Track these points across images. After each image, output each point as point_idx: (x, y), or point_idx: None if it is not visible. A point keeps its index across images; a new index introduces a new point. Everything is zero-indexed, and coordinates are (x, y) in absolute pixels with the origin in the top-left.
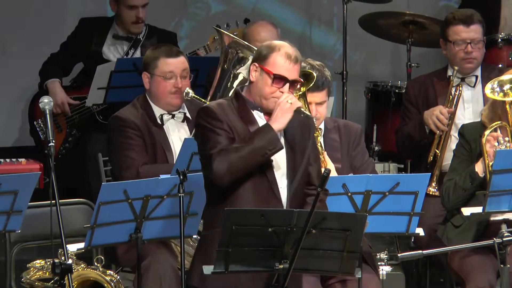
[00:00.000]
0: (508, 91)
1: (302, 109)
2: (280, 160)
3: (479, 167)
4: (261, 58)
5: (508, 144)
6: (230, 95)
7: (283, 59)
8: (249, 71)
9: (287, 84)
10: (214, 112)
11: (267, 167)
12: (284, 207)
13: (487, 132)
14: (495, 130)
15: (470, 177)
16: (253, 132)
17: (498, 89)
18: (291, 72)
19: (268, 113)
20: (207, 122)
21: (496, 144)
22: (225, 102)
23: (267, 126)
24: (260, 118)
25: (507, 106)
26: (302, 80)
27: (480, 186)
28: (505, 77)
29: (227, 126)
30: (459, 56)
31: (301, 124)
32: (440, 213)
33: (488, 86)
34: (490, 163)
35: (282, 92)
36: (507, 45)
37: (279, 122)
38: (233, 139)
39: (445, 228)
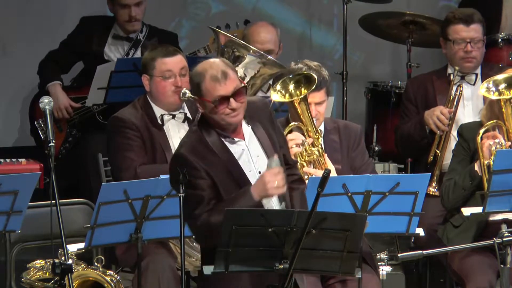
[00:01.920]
0: (503, 90)
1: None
2: (263, 169)
3: (478, 166)
4: (196, 91)
5: (504, 143)
6: (192, 129)
7: (212, 83)
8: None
9: (231, 100)
10: (189, 161)
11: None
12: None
13: (482, 131)
14: (493, 129)
15: (470, 176)
16: (235, 196)
17: (493, 88)
18: (226, 88)
19: (234, 130)
20: (192, 173)
21: (491, 143)
22: (195, 142)
23: (249, 195)
24: (229, 144)
25: (502, 104)
26: (244, 84)
27: (478, 185)
28: (500, 76)
29: (204, 173)
30: (458, 55)
31: (259, 112)
32: (440, 213)
33: (484, 85)
34: (485, 162)
35: (232, 109)
36: (507, 45)
37: (259, 195)
38: (213, 183)
39: (445, 228)
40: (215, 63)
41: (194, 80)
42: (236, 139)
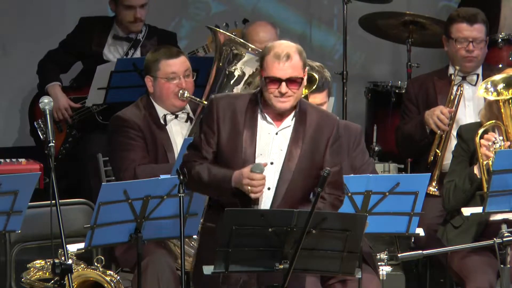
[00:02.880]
0: (502, 90)
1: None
2: (279, 164)
3: (478, 169)
4: (260, 63)
5: (502, 143)
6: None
7: (272, 59)
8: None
9: (283, 84)
10: (215, 107)
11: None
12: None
13: (480, 131)
14: (492, 129)
15: (469, 179)
16: (220, 171)
17: (492, 89)
18: (284, 71)
19: (276, 116)
20: (205, 118)
21: (490, 144)
22: (237, 99)
23: (228, 178)
24: (262, 120)
25: (501, 105)
26: (303, 76)
27: (478, 188)
28: (497, 76)
29: (216, 126)
30: (460, 54)
31: (320, 125)
32: (440, 213)
33: (482, 86)
34: (484, 163)
35: (281, 93)
36: (507, 45)
37: (236, 184)
38: (218, 140)
39: (445, 229)
40: (286, 45)
41: (263, 51)
42: (270, 120)
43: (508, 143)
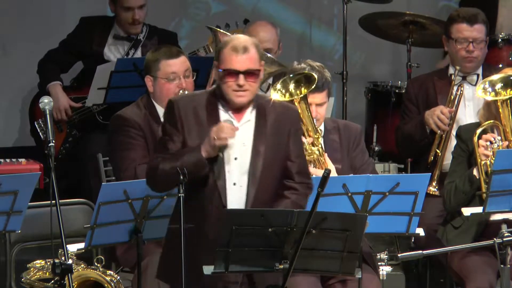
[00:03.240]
0: (500, 90)
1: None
2: (243, 160)
3: (477, 170)
4: (216, 56)
5: (501, 143)
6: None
7: (230, 52)
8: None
9: (241, 76)
10: (175, 109)
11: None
12: (232, 205)
13: (478, 131)
14: (491, 129)
15: (469, 180)
16: (184, 150)
17: (490, 89)
18: (241, 63)
19: (236, 110)
20: (167, 119)
21: (488, 144)
22: (196, 97)
23: (196, 149)
24: (226, 115)
25: (499, 105)
26: (260, 69)
27: (478, 189)
28: (495, 76)
29: (180, 126)
30: (460, 54)
31: (279, 118)
32: (440, 213)
33: (480, 86)
34: (482, 163)
35: (239, 85)
36: (507, 45)
37: (206, 151)
38: (183, 140)
39: (445, 229)
40: (244, 38)
41: (220, 45)
42: (231, 115)
43: (506, 142)
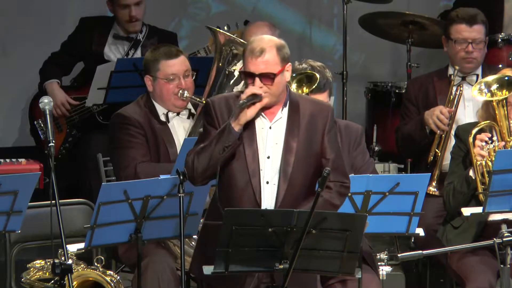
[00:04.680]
0: (495, 91)
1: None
2: (275, 158)
3: (473, 171)
4: (242, 59)
5: (497, 143)
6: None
7: (248, 54)
8: None
9: (256, 79)
10: (212, 108)
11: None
12: (267, 203)
13: (474, 131)
14: (489, 129)
15: (466, 181)
16: (218, 131)
17: (485, 89)
18: (256, 66)
19: (267, 108)
20: (205, 119)
21: (483, 144)
22: (230, 97)
23: (228, 128)
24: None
25: (495, 105)
26: (277, 72)
27: (476, 189)
28: (490, 78)
29: (217, 123)
30: (459, 55)
31: (313, 114)
32: (440, 213)
33: (476, 87)
34: (478, 163)
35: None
36: (507, 45)
37: (237, 124)
38: None
39: (445, 229)
40: (266, 40)
41: (246, 44)
42: (263, 115)
43: (503, 143)
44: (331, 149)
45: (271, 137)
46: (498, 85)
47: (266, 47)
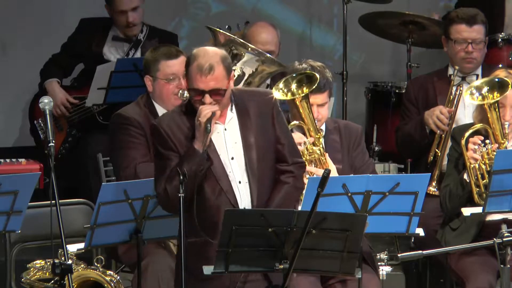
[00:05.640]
0: (486, 93)
1: (209, 123)
2: (239, 157)
3: (467, 175)
4: (185, 71)
5: (490, 146)
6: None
7: (196, 71)
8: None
9: (206, 95)
10: (162, 132)
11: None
12: (244, 202)
13: (467, 134)
14: (486, 132)
15: (461, 184)
16: (180, 160)
17: (477, 93)
18: (206, 83)
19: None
20: (158, 144)
21: (476, 147)
22: (176, 115)
23: (191, 149)
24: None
25: (486, 108)
26: (226, 88)
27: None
28: (477, 82)
29: (172, 145)
30: (459, 55)
31: (259, 105)
32: (440, 213)
33: (467, 92)
34: (471, 166)
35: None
36: (507, 45)
37: (200, 142)
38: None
39: (443, 231)
40: (209, 54)
41: (187, 58)
42: (216, 122)
43: (496, 145)
44: (283, 133)
45: (229, 138)
46: (488, 88)
47: (214, 62)
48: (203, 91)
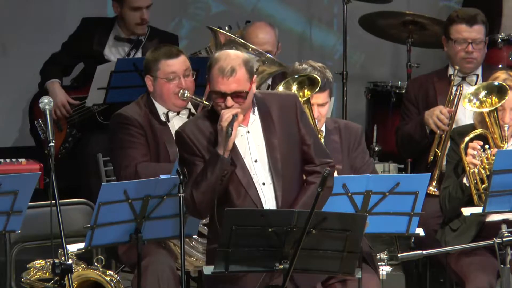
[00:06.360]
0: (484, 98)
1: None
2: (263, 159)
3: (466, 178)
4: (207, 74)
5: (489, 151)
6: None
7: (217, 73)
8: None
9: (228, 98)
10: (186, 141)
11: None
12: (269, 204)
13: (466, 139)
14: (485, 135)
15: (460, 188)
16: (204, 166)
17: (474, 99)
18: (228, 85)
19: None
20: (183, 150)
21: (475, 152)
22: (200, 120)
23: (215, 154)
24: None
25: (485, 114)
26: (248, 90)
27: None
28: (472, 88)
29: (197, 151)
30: (459, 55)
31: (282, 107)
32: (440, 213)
33: (465, 100)
34: (471, 171)
35: (228, 106)
36: (507, 45)
37: (223, 148)
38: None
39: (443, 231)
40: (231, 57)
41: (209, 61)
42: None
43: (495, 150)
44: (309, 135)
45: (252, 141)
46: (486, 92)
47: (236, 65)
48: (225, 93)
